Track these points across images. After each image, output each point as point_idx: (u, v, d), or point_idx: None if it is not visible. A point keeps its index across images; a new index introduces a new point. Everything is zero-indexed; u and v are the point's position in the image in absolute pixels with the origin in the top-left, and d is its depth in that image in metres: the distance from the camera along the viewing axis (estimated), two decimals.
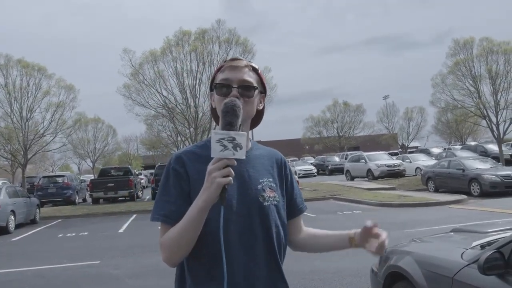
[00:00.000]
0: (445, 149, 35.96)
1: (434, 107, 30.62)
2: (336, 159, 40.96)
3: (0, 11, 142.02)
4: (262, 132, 76.93)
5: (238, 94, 1.49)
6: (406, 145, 52.84)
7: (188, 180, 1.48)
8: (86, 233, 12.95)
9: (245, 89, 1.52)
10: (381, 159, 26.87)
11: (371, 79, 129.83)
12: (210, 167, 1.32)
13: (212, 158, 1.32)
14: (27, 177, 28.56)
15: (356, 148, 52.87)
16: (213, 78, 1.59)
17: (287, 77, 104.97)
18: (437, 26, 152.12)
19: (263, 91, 1.63)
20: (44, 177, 25.02)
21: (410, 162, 27.96)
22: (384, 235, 1.58)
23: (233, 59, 1.58)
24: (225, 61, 1.58)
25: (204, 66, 22.66)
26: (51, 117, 24.83)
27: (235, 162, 1.32)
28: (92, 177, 33.15)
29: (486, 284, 2.49)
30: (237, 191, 1.47)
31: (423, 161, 26.87)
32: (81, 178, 32.34)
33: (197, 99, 22.71)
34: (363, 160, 27.14)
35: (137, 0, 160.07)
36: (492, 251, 2.44)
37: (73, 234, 12.86)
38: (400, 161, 27.12)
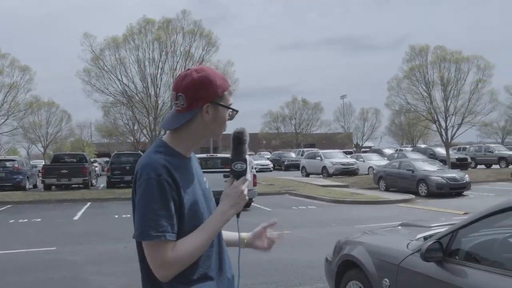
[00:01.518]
0: (397, 150, 37.40)
1: (388, 109, 31.85)
2: (293, 155, 41.66)
3: None
4: None
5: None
6: (361, 145, 54.48)
7: (177, 189, 1.48)
8: (39, 219, 12.71)
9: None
10: (336, 157, 27.65)
11: (330, 78, 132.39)
12: (242, 187, 1.52)
13: (191, 171, 1.57)
14: None
15: (312, 145, 53.92)
16: (221, 95, 1.56)
17: (246, 71, 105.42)
18: (395, 30, 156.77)
19: None
20: None
21: (364, 161, 28.94)
22: (275, 233, 1.80)
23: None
24: (225, 81, 1.60)
25: (167, 56, 22.56)
26: (3, 99, 23.94)
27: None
28: (44, 163, 32.15)
29: (427, 270, 2.84)
30: (204, 193, 1.62)
31: (376, 161, 27.89)
32: (31, 163, 31.29)
33: (158, 88, 22.60)
34: (319, 157, 27.83)
35: None
36: (433, 241, 2.79)
37: (25, 220, 12.60)
38: (354, 160, 28.02)
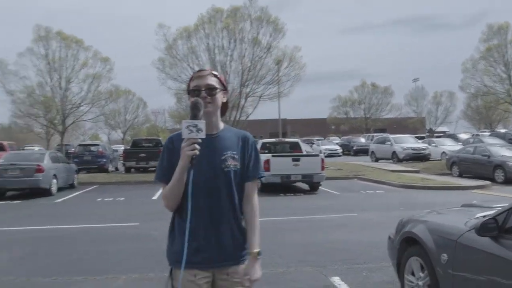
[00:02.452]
0: (473, 135, 35.68)
1: (463, 92, 30.45)
2: (362, 140, 41.10)
3: None
4: (288, 110, 77.17)
5: (206, 94, 2.15)
6: (434, 130, 52.44)
7: (174, 153, 2.13)
8: (122, 198, 13.86)
9: (210, 90, 2.17)
10: (407, 142, 27.02)
11: (400, 61, 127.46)
12: (182, 144, 2.02)
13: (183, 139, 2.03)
14: (60, 145, 29.91)
15: (382, 130, 52.67)
16: (188, 86, 2.24)
17: (312, 55, 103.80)
18: (469, 8, 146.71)
19: (224, 89, 2.28)
20: (80, 145, 26.21)
21: (436, 146, 28.01)
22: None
23: (199, 71, 2.25)
24: (194, 73, 2.27)
25: (236, 44, 23.16)
26: (88, 88, 25.87)
27: (200, 140, 1.99)
28: (123, 147, 34.31)
29: (482, 245, 3.03)
30: (207, 159, 2.12)
31: (449, 146, 26.88)
32: (113, 147, 33.54)
33: (227, 75, 23.27)
34: (389, 142, 27.34)
35: None
36: (488, 218, 2.97)
37: (111, 199, 13.79)
38: (426, 145, 27.21)
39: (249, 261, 2.19)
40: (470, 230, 3.23)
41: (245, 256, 2.21)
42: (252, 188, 2.27)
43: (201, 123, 1.98)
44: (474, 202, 4.86)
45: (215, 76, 2.23)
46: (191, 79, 2.23)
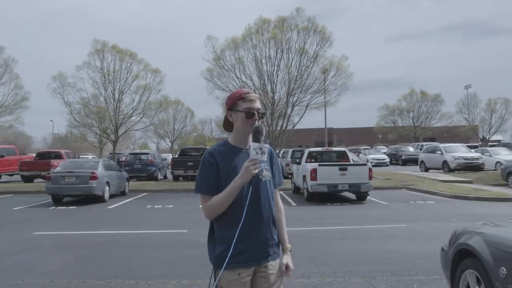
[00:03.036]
0: None
1: None
2: (411, 149, 40.01)
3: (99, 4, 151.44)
4: (334, 119, 76.42)
5: (257, 117, 2.42)
6: (487, 138, 50.28)
7: (217, 166, 2.37)
8: (171, 206, 14.18)
9: (260, 114, 2.45)
10: (459, 151, 26.04)
11: (450, 68, 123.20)
12: (247, 163, 2.27)
13: (232, 155, 2.38)
14: (112, 153, 31.04)
15: (432, 139, 51.12)
16: (235, 103, 2.44)
17: (359, 64, 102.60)
18: None
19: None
20: (130, 153, 27.12)
21: (490, 155, 26.83)
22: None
23: (249, 93, 2.46)
24: (243, 93, 2.46)
25: (283, 54, 23.26)
26: (139, 99, 26.79)
27: (260, 162, 2.31)
28: (171, 156, 35.13)
29: None
30: None
31: (504, 156, 25.69)
32: (162, 156, 34.43)
33: (274, 85, 23.40)
34: (439, 151, 26.47)
35: None
36: None
37: (160, 206, 14.15)
38: (479, 154, 26.11)
39: (286, 255, 2.55)
40: None
41: (278, 252, 2.54)
42: (277, 193, 2.65)
43: (266, 147, 2.30)
44: None
45: (260, 100, 2.53)
46: (242, 98, 2.42)
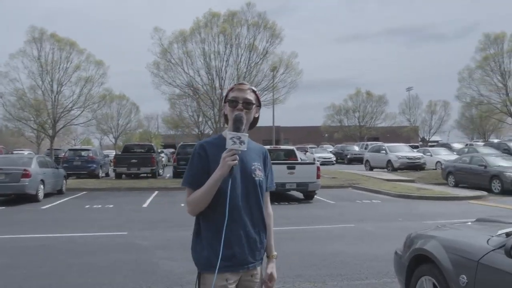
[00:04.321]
0: (467, 144, 35.59)
1: (459, 101, 30.35)
2: (356, 148, 40.87)
3: None
4: (282, 118, 76.84)
5: (242, 107, 2.27)
6: (427, 139, 52.39)
7: (208, 160, 2.23)
8: (111, 205, 13.41)
9: (247, 104, 2.31)
10: (402, 151, 26.78)
11: (394, 70, 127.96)
12: (224, 154, 2.10)
13: (225, 148, 2.10)
14: (49, 149, 29.38)
15: (376, 139, 52.53)
16: (226, 95, 2.36)
17: (307, 63, 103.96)
18: (462, 19, 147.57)
19: (258, 105, 2.42)
20: (70, 149, 25.70)
21: (431, 155, 27.82)
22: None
23: (240, 84, 2.38)
24: (235, 84, 2.39)
25: (232, 49, 22.84)
26: (80, 92, 25.41)
27: (240, 152, 2.10)
28: (115, 153, 33.80)
29: (511, 267, 2.69)
30: (240, 169, 2.23)
31: (444, 156, 26.71)
32: (104, 153, 33.03)
33: (223, 81, 22.95)
34: (384, 151, 27.10)
35: None
36: None
37: (99, 206, 13.34)
38: (421, 154, 27.00)
39: (271, 263, 2.43)
40: (495, 249, 2.89)
41: (263, 258, 2.40)
42: (268, 197, 2.49)
43: (244, 136, 2.11)
44: (489, 216, 4.52)
45: (254, 92, 2.38)
46: (231, 89, 2.37)
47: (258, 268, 2.35)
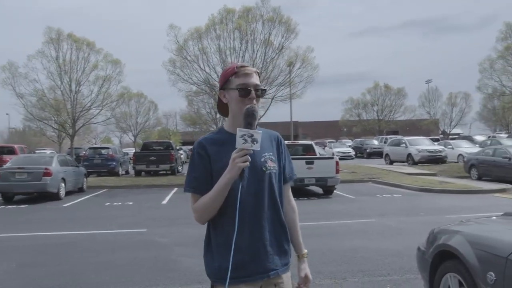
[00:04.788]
0: (489, 137, 34.82)
1: (480, 92, 29.67)
2: (375, 142, 40.39)
3: None
4: (300, 113, 76.59)
5: (255, 95, 1.95)
6: (448, 131, 51.49)
7: (209, 159, 1.95)
8: (131, 203, 13.50)
9: (259, 91, 1.99)
10: (423, 144, 26.34)
11: (412, 63, 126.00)
12: (234, 155, 1.80)
13: (227, 144, 1.88)
14: (71, 148, 29.73)
15: (395, 132, 51.87)
16: (227, 80, 2.00)
17: (324, 58, 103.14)
18: (480, 9, 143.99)
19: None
20: (90, 148, 26.00)
21: (453, 148, 27.29)
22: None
23: (243, 66, 2.01)
24: (236, 67, 2.00)
25: (247, 45, 22.73)
26: (98, 91, 25.65)
27: (252, 152, 1.81)
28: (134, 151, 34.09)
29: None
30: (249, 163, 1.86)
31: (466, 148, 26.16)
32: (124, 151, 33.33)
33: None
34: (404, 145, 26.71)
35: None
36: None
37: (119, 203, 13.44)
38: (442, 147, 26.50)
39: (303, 263, 2.16)
40: None
41: (290, 263, 2.08)
42: (289, 190, 2.21)
43: (258, 134, 1.80)
44: None
45: (258, 74, 2.06)
46: (234, 74, 1.98)
47: (284, 276, 2.04)
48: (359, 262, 6.13)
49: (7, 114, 64.08)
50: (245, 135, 1.78)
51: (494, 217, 4.14)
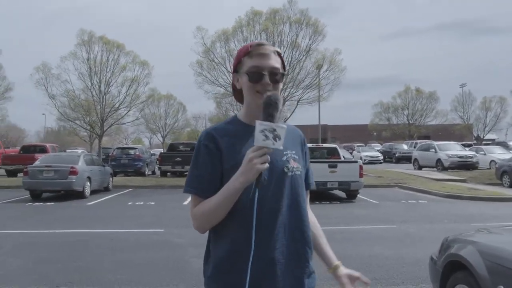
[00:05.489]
0: None
1: None
2: (404, 147, 39.63)
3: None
4: (328, 116, 75.96)
5: (269, 80, 1.60)
6: (482, 137, 50.00)
7: (220, 155, 1.59)
8: (153, 203, 13.61)
9: (275, 75, 1.62)
10: (453, 149, 25.62)
11: (445, 66, 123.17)
12: (250, 154, 1.44)
13: (244, 136, 1.57)
14: (103, 148, 30.34)
15: (426, 137, 50.76)
16: (239, 61, 1.67)
17: (354, 61, 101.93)
18: None
19: (284, 73, 1.72)
20: (117, 148, 26.46)
21: (485, 154, 26.44)
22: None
23: (260, 44, 1.65)
24: (251, 46, 1.65)
25: (274, 46, 22.72)
26: (126, 91, 26.13)
27: (273, 151, 1.45)
28: (162, 151, 34.53)
29: None
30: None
31: (499, 154, 25.29)
32: (151, 151, 33.81)
33: None
34: (433, 150, 26.05)
35: None
36: None
37: (142, 203, 13.58)
38: (473, 153, 25.71)
39: (340, 271, 1.76)
40: None
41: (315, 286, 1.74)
42: (307, 200, 1.79)
43: (282, 129, 1.45)
44: None
45: (279, 54, 1.68)
46: (247, 53, 1.64)
47: None
48: (374, 269, 5.95)
49: (43, 114, 66.05)
50: (266, 129, 1.43)
51: (509, 226, 3.93)
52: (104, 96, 25.91)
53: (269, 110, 1.47)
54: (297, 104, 24.07)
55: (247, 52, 1.64)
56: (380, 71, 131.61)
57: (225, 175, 1.56)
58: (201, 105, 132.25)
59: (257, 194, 1.47)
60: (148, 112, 41.84)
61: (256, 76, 1.60)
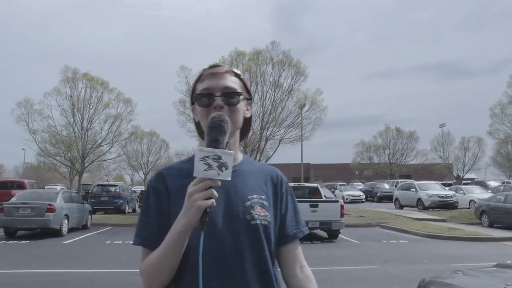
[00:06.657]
0: (503, 182, 34.20)
1: (492, 137, 29.39)
2: (386, 186, 39.92)
3: (77, 32, 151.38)
4: (311, 155, 76.42)
5: (222, 102, 1.36)
6: (462, 176, 50.73)
7: (168, 197, 1.36)
8: (132, 241, 13.32)
9: (229, 96, 1.38)
10: (433, 189, 25.93)
11: (424, 106, 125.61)
12: (190, 188, 1.19)
13: (194, 177, 1.19)
14: (83, 184, 29.86)
15: (408, 176, 51.28)
16: (193, 89, 1.45)
17: (336, 100, 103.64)
18: (492, 54, 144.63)
19: (249, 98, 1.49)
20: (98, 185, 26.10)
21: (464, 194, 26.78)
22: None
23: (212, 66, 1.44)
24: (204, 70, 1.45)
25: (257, 87, 23.06)
26: (108, 128, 26.03)
27: (219, 183, 1.19)
28: (143, 189, 34.13)
29: None
30: (222, 208, 1.32)
31: (478, 194, 25.65)
32: (132, 188, 33.42)
33: None
34: (414, 189, 26.32)
35: (189, 21, 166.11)
36: None
37: (120, 242, 13.31)
38: (453, 192, 26.04)
39: None
40: None
41: None
42: (297, 251, 1.49)
43: (227, 156, 1.19)
44: (509, 262, 4.17)
45: (237, 76, 1.45)
46: (200, 78, 1.44)
47: None
48: None
49: (23, 149, 65.12)
50: (208, 157, 1.18)
51: (484, 269, 3.98)
52: (86, 133, 25.80)
53: (213, 134, 1.22)
54: (279, 143, 24.29)
55: (199, 77, 1.44)
56: (362, 110, 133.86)
57: (173, 220, 1.26)
58: (185, 142, 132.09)
59: (202, 238, 1.20)
60: (131, 149, 41.54)
61: (205, 99, 1.37)
